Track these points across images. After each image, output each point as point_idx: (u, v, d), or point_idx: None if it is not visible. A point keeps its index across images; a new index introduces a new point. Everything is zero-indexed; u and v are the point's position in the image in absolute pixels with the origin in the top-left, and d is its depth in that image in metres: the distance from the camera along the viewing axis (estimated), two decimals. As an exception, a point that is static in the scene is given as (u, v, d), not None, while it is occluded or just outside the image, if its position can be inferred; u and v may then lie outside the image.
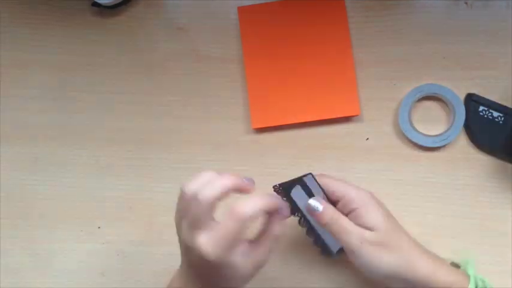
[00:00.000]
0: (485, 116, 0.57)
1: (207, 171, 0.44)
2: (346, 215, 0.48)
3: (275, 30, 0.60)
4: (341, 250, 0.51)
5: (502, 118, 0.57)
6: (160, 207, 0.61)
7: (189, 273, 0.47)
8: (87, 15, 0.64)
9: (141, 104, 0.62)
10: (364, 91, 0.60)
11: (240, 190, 0.44)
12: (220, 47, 0.62)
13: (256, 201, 0.43)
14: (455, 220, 0.57)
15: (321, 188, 0.50)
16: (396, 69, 0.59)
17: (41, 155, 0.63)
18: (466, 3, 0.59)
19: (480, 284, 0.47)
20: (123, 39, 0.63)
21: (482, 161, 0.58)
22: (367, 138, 0.59)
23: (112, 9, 0.63)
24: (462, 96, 0.58)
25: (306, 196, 0.49)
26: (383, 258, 0.46)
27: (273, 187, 0.49)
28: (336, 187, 0.49)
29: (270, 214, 0.46)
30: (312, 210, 0.48)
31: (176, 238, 0.59)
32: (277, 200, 0.45)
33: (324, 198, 0.49)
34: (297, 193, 0.49)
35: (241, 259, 0.43)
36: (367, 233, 0.46)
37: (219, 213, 0.44)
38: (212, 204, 0.42)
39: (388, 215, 0.49)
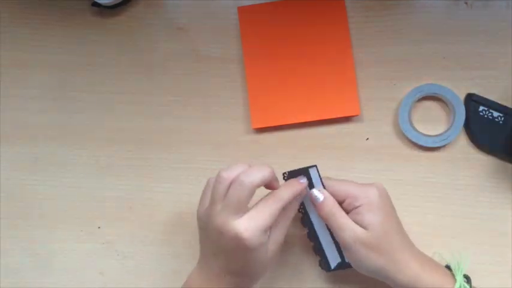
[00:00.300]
0: (485, 116, 0.57)
1: (240, 163, 0.47)
2: (350, 211, 0.49)
3: (275, 30, 0.60)
4: (339, 266, 0.51)
5: (502, 118, 0.57)
6: (160, 207, 0.61)
7: (213, 263, 0.48)
8: (87, 15, 0.64)
9: (141, 104, 0.62)
10: (364, 91, 0.60)
11: (270, 184, 0.48)
12: (220, 47, 0.62)
13: (293, 186, 0.48)
14: (455, 220, 0.57)
15: (322, 182, 0.50)
16: (396, 69, 0.59)
17: (41, 155, 0.63)
18: (466, 3, 0.59)
19: None
20: (123, 39, 0.63)
21: (482, 161, 0.58)
22: (367, 138, 0.59)
23: (112, 9, 0.63)
24: (462, 96, 0.58)
25: (308, 188, 0.51)
26: (371, 258, 0.47)
27: (283, 174, 0.51)
28: (340, 186, 0.50)
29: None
30: (314, 200, 0.50)
31: (176, 238, 0.60)
32: (301, 185, 0.49)
33: None
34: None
35: (268, 240, 0.46)
36: (359, 232, 0.47)
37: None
38: (254, 189, 0.45)
39: (390, 215, 0.49)
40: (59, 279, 0.61)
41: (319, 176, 0.51)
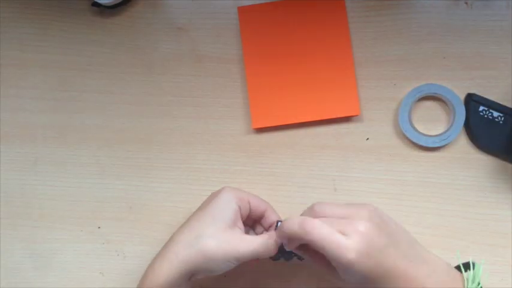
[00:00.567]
0: (485, 116, 0.57)
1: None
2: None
3: (275, 30, 0.60)
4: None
5: (502, 118, 0.57)
6: (160, 207, 0.61)
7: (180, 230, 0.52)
8: (87, 15, 0.64)
9: (141, 104, 0.62)
10: (364, 91, 0.60)
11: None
12: (220, 47, 0.62)
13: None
14: (455, 220, 0.57)
15: None
16: (396, 69, 0.59)
17: (41, 155, 0.63)
18: (466, 3, 0.59)
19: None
20: (123, 39, 0.63)
21: (482, 161, 0.58)
22: (367, 138, 0.59)
23: (112, 9, 0.63)
24: (462, 96, 0.58)
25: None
26: (375, 268, 0.43)
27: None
28: (333, 212, 0.45)
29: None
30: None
31: (176, 238, 0.60)
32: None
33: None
34: None
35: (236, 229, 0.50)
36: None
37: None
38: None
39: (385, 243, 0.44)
40: (59, 279, 0.61)
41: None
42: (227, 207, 0.49)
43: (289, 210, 0.57)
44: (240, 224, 0.51)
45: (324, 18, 0.60)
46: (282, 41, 0.60)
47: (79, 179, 0.62)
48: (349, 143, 0.59)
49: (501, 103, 0.57)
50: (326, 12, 0.60)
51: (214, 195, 0.51)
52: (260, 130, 0.61)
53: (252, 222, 0.55)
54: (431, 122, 0.59)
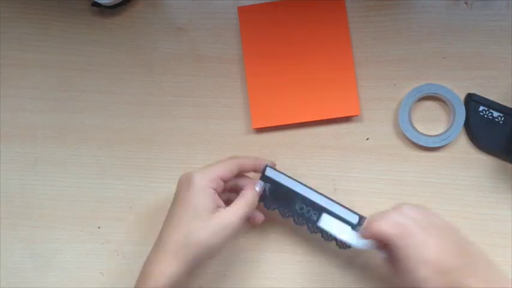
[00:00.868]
0: (485, 116, 0.57)
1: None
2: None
3: (275, 30, 0.60)
4: (360, 222, 0.50)
5: (502, 118, 0.57)
6: (160, 207, 0.60)
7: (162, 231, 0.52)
8: (87, 15, 0.64)
9: (141, 104, 0.62)
10: (364, 91, 0.60)
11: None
12: (220, 47, 0.62)
13: (254, 159, 0.54)
14: (455, 220, 0.57)
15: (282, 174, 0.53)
16: (396, 69, 0.59)
17: (41, 155, 0.63)
18: (466, 3, 0.59)
19: None
20: (123, 39, 0.63)
21: (482, 161, 0.58)
22: (367, 138, 0.59)
23: (112, 9, 0.63)
24: (462, 96, 0.58)
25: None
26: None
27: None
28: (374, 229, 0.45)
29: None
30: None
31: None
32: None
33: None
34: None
35: (217, 199, 0.50)
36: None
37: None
38: (233, 170, 0.52)
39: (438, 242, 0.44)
40: (59, 279, 0.61)
41: (277, 171, 0.54)
42: (204, 196, 0.49)
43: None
44: (220, 202, 0.50)
45: (324, 18, 0.60)
46: (282, 41, 0.60)
47: (79, 179, 0.62)
48: (349, 143, 0.59)
49: (501, 103, 0.57)
50: (326, 12, 0.60)
51: (186, 185, 0.50)
52: (260, 130, 0.61)
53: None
54: (431, 122, 0.59)
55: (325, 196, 0.52)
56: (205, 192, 0.49)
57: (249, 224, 0.54)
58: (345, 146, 0.59)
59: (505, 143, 0.56)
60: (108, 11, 0.63)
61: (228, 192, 0.54)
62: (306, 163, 0.60)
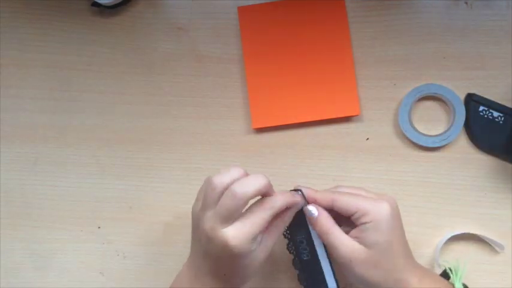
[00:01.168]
0: (485, 116, 0.57)
1: (236, 167, 0.46)
2: (357, 225, 0.47)
3: (275, 30, 0.60)
4: None
5: (502, 118, 0.57)
6: (160, 207, 0.61)
7: (202, 264, 0.47)
8: (87, 15, 0.64)
9: (141, 104, 0.62)
10: (364, 91, 0.60)
11: (266, 194, 0.46)
12: (220, 47, 0.62)
13: (284, 196, 0.46)
14: (455, 220, 0.57)
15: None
16: (396, 69, 0.59)
17: (41, 155, 0.63)
18: (466, 3, 0.59)
19: None
20: (123, 39, 0.63)
21: (482, 161, 0.58)
22: (367, 138, 0.59)
23: (112, 9, 0.63)
24: (462, 96, 0.58)
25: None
26: (368, 275, 0.46)
27: None
28: (351, 199, 0.47)
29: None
30: (309, 215, 0.48)
31: (176, 238, 0.60)
32: (296, 196, 0.48)
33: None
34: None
35: (257, 247, 0.45)
36: (357, 251, 0.46)
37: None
38: (247, 201, 0.44)
39: (397, 233, 0.47)
40: (59, 279, 0.61)
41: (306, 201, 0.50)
42: (249, 263, 0.46)
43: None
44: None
45: (324, 18, 0.60)
46: (282, 41, 0.60)
47: (79, 179, 0.62)
48: (349, 143, 0.59)
49: (501, 103, 0.57)
50: (326, 12, 0.60)
51: (225, 255, 0.44)
52: (260, 130, 0.61)
53: None
54: (431, 122, 0.59)
55: (326, 250, 0.50)
56: (249, 261, 0.46)
57: None
58: (345, 146, 0.59)
59: (505, 143, 0.56)
60: (108, 11, 0.63)
61: None
62: (306, 163, 0.60)
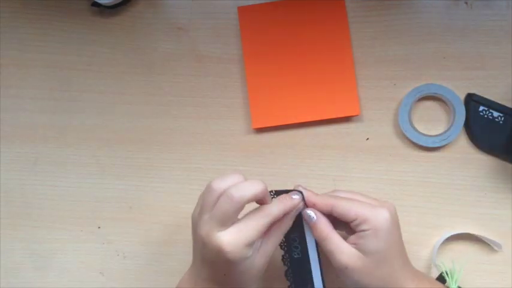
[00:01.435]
0: (485, 116, 0.57)
1: (235, 172, 0.46)
2: (356, 232, 0.47)
3: (275, 30, 0.60)
4: None
5: (502, 118, 0.57)
6: (160, 207, 0.61)
7: (201, 269, 0.47)
8: (87, 15, 0.64)
9: (141, 104, 0.62)
10: (364, 91, 0.60)
11: (262, 200, 0.46)
12: (220, 47, 0.62)
13: (284, 202, 0.46)
14: (455, 220, 0.57)
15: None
16: (396, 69, 0.59)
17: (41, 155, 0.63)
18: (466, 3, 0.59)
19: None
20: (123, 39, 0.63)
21: (482, 161, 0.58)
22: (367, 138, 0.59)
23: (112, 9, 0.63)
24: (462, 96, 0.58)
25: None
26: (369, 283, 0.46)
27: (269, 192, 0.48)
28: (351, 207, 0.47)
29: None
30: (307, 219, 0.48)
31: (176, 238, 0.60)
32: (294, 200, 0.47)
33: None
34: None
35: (254, 253, 0.45)
36: (355, 257, 0.46)
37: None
38: (244, 204, 0.44)
39: (395, 241, 0.47)
40: (59, 279, 0.61)
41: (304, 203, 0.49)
42: (245, 270, 0.45)
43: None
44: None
45: (324, 18, 0.60)
46: (282, 41, 0.60)
47: (79, 179, 0.62)
48: (349, 143, 0.59)
49: (501, 103, 0.57)
50: (326, 12, 0.60)
51: (221, 260, 0.44)
52: (260, 130, 0.61)
53: None
54: (431, 122, 0.59)
55: (318, 251, 0.50)
56: (245, 267, 0.45)
57: None
58: (345, 146, 0.59)
59: (505, 143, 0.56)
60: (108, 11, 0.63)
61: None
62: (306, 163, 0.60)
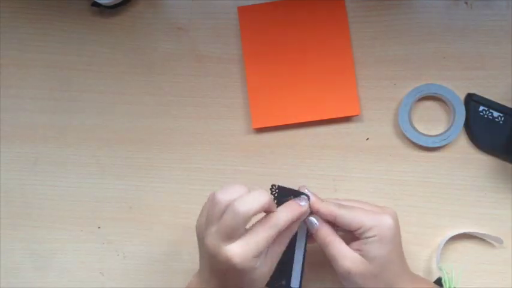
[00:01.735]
0: (485, 116, 0.57)
1: (239, 184, 0.46)
2: (361, 239, 0.47)
3: (275, 30, 0.60)
4: None
5: (502, 118, 0.57)
6: (160, 207, 0.61)
7: (209, 279, 0.47)
8: (87, 15, 0.64)
9: (141, 104, 0.62)
10: (364, 91, 0.60)
11: (268, 210, 0.46)
12: (220, 47, 0.62)
13: (291, 211, 0.46)
14: (455, 220, 0.57)
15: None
16: (396, 69, 0.59)
17: (41, 155, 0.63)
18: (466, 3, 0.59)
19: None
20: (123, 39, 0.63)
21: (482, 161, 0.58)
22: (367, 138, 0.59)
23: (112, 9, 0.63)
24: (462, 96, 0.58)
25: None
26: (367, 286, 0.46)
27: (271, 185, 0.49)
28: (354, 216, 0.47)
29: None
30: (309, 226, 0.49)
31: (176, 238, 0.60)
32: (301, 207, 0.47)
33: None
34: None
35: (262, 261, 0.45)
36: (358, 263, 0.46)
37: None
38: (250, 218, 0.44)
39: (397, 246, 0.48)
40: (59, 279, 0.61)
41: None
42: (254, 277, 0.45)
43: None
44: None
45: (324, 18, 0.60)
46: (282, 41, 0.60)
47: (79, 179, 0.62)
48: (349, 143, 0.59)
49: (501, 103, 0.57)
50: (326, 12, 0.60)
51: (227, 271, 0.45)
52: (260, 130, 0.61)
53: None
54: (431, 122, 0.59)
55: (304, 252, 0.50)
56: (255, 276, 0.45)
57: None
58: (345, 146, 0.59)
59: (505, 143, 0.56)
60: (108, 11, 0.63)
61: None
62: (306, 163, 0.60)
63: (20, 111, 0.63)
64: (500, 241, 0.55)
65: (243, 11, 0.61)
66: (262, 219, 0.46)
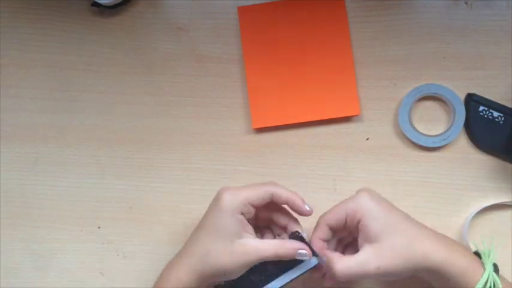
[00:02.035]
0: (485, 116, 0.57)
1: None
2: (356, 227, 0.48)
3: (275, 30, 0.60)
4: None
5: (502, 118, 0.57)
6: (160, 207, 0.61)
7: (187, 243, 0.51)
8: (87, 15, 0.64)
9: (141, 104, 0.62)
10: (364, 91, 0.60)
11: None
12: (220, 47, 0.62)
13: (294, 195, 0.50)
14: (455, 220, 0.57)
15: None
16: (396, 69, 0.59)
17: (41, 155, 0.63)
18: (466, 3, 0.59)
19: (491, 281, 0.46)
20: (123, 39, 0.63)
21: (482, 161, 0.58)
22: (367, 138, 0.59)
23: (112, 9, 0.63)
24: (462, 96, 0.58)
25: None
26: (397, 265, 0.46)
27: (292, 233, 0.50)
28: (335, 211, 0.49)
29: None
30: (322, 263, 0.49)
31: (176, 238, 0.60)
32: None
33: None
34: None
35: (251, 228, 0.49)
36: (373, 254, 0.46)
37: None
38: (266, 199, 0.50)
39: (390, 209, 0.48)
40: (59, 279, 0.61)
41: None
42: (230, 220, 0.48)
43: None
44: (249, 228, 0.49)
45: (324, 18, 0.60)
46: (282, 41, 0.60)
47: (79, 179, 0.62)
48: (349, 143, 0.59)
49: (501, 103, 0.57)
50: (326, 12, 0.60)
51: (214, 203, 0.49)
52: (260, 130, 0.61)
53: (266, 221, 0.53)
54: (431, 122, 0.59)
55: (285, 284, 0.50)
56: (232, 215, 0.48)
57: None
58: (345, 146, 0.59)
59: (505, 143, 0.56)
60: (108, 11, 0.63)
61: (261, 221, 0.53)
62: (306, 163, 0.60)
63: (20, 111, 0.63)
64: None
65: (243, 11, 0.61)
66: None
